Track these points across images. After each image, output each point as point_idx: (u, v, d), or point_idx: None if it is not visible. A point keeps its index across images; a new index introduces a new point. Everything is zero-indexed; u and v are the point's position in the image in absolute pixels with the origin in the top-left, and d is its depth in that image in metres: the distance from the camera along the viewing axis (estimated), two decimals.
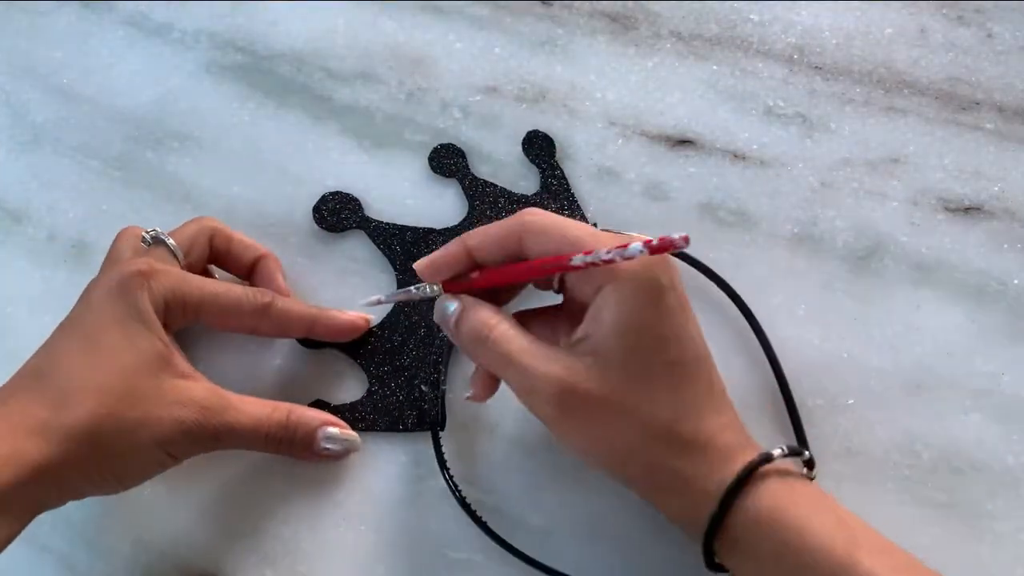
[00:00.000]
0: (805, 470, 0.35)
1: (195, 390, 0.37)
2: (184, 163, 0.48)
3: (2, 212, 0.48)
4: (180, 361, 0.37)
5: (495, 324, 0.33)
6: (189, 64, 0.50)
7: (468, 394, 0.37)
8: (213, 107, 0.49)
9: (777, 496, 0.31)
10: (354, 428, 0.41)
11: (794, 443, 0.39)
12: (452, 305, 0.35)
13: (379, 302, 0.37)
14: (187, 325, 0.40)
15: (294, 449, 0.39)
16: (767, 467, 0.32)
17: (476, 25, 0.49)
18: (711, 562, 0.33)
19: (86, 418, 0.34)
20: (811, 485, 0.33)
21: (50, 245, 0.47)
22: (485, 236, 0.34)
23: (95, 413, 0.34)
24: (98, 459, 0.34)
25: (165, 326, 0.37)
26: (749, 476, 0.32)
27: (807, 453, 0.35)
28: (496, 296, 0.37)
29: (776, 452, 0.32)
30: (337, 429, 0.39)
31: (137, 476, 0.36)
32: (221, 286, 0.39)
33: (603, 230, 0.43)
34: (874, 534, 0.32)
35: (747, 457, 0.32)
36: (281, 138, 0.48)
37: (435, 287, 0.35)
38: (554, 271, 0.33)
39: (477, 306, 0.34)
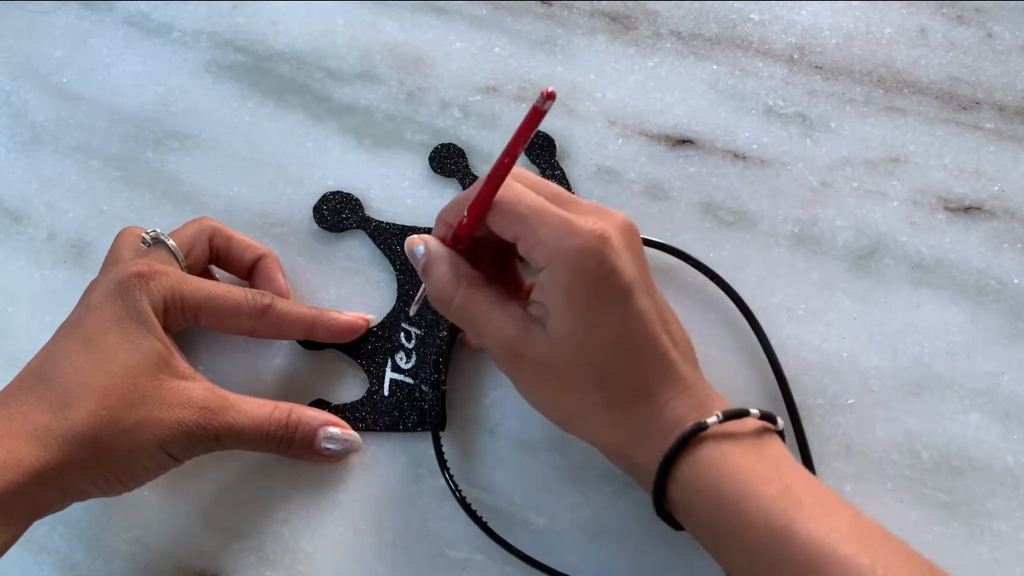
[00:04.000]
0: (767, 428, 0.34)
1: (195, 391, 0.37)
2: (184, 163, 0.48)
3: (2, 212, 0.48)
4: (180, 362, 0.37)
5: (453, 291, 0.35)
6: (189, 64, 0.50)
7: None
8: (213, 107, 0.49)
9: (711, 468, 0.32)
10: (354, 428, 0.41)
11: (796, 448, 0.39)
12: (420, 249, 0.36)
13: (416, 308, 0.39)
14: (186, 326, 0.40)
15: (294, 449, 0.39)
16: (705, 435, 0.32)
17: (476, 25, 0.49)
18: (675, 525, 0.34)
19: (86, 420, 0.34)
20: (754, 450, 0.32)
21: (50, 245, 0.47)
22: (455, 207, 0.36)
23: (95, 415, 0.34)
24: (99, 461, 0.34)
25: (164, 327, 0.37)
26: (681, 449, 0.32)
27: (779, 423, 0.34)
28: (506, 247, 0.37)
29: (711, 420, 0.32)
30: (338, 429, 0.39)
31: (139, 477, 0.36)
32: (220, 288, 0.39)
33: None
34: (820, 497, 0.31)
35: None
36: (281, 138, 0.48)
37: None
38: (482, 209, 0.34)
39: (437, 264, 0.35)
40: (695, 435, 0.32)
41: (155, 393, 0.36)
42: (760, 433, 0.33)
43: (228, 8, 0.51)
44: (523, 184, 0.34)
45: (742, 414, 0.33)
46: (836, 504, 0.31)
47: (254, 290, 0.40)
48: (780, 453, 0.33)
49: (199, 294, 0.38)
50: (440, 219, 0.36)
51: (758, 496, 0.31)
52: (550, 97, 0.29)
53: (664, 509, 0.34)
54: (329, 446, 0.39)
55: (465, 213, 0.34)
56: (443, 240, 0.36)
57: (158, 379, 0.36)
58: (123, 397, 0.35)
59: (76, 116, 0.50)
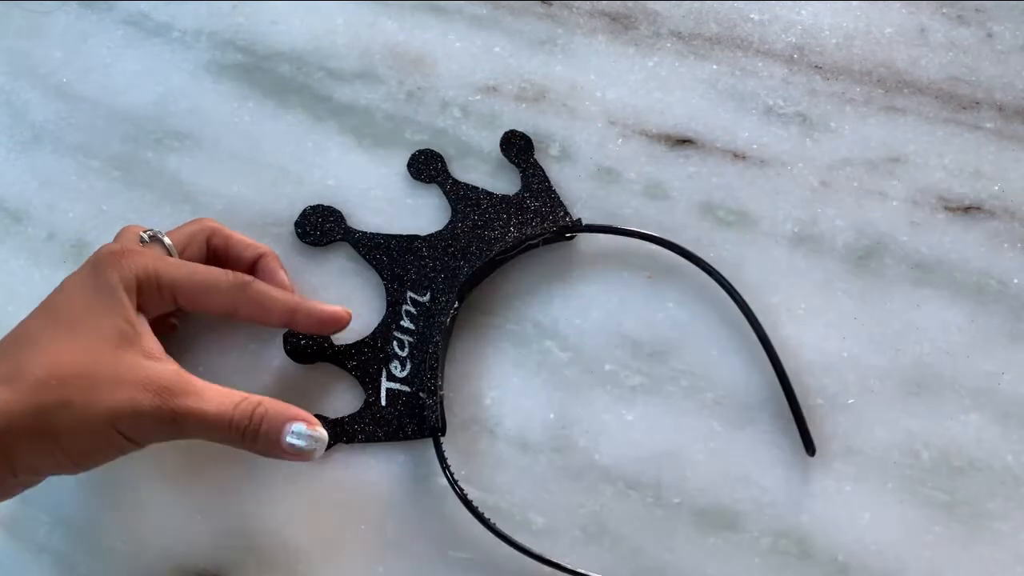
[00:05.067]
0: None
1: (157, 371, 0.35)
2: (184, 163, 0.48)
3: (2, 212, 0.48)
4: (147, 342, 0.36)
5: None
6: (189, 64, 0.50)
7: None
8: (213, 107, 0.49)
9: None
10: (355, 440, 0.40)
11: (797, 441, 0.39)
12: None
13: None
14: (166, 308, 0.39)
15: (259, 444, 0.37)
16: None
17: (476, 25, 0.49)
18: None
19: (30, 390, 0.33)
20: None
21: (50, 245, 0.47)
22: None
23: (43, 383, 0.33)
24: (44, 434, 0.34)
25: (141, 308, 0.37)
26: None
27: None
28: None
29: None
30: (304, 425, 0.37)
31: (91, 455, 0.35)
32: (198, 266, 0.39)
33: (595, 225, 0.43)
34: None
35: None
36: (281, 138, 0.48)
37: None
38: None
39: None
40: None
41: (112, 369, 0.35)
42: None
43: (228, 8, 0.51)
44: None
45: None
46: None
47: (234, 271, 0.40)
48: None
49: (175, 272, 0.38)
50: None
51: None
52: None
53: None
54: (293, 441, 0.37)
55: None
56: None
57: (116, 356, 0.35)
58: (74, 367, 0.34)
59: (76, 116, 0.50)
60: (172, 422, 0.35)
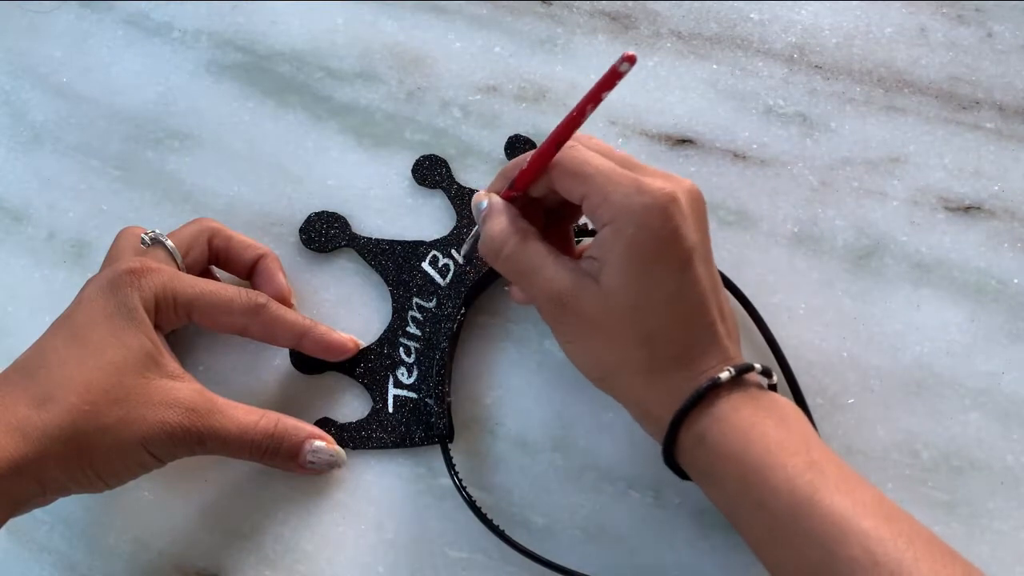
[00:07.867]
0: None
1: (182, 391, 0.36)
2: (184, 163, 0.48)
3: (2, 212, 0.48)
4: (169, 361, 0.37)
5: (506, 239, 0.35)
6: (189, 63, 0.50)
7: (507, 288, 0.42)
8: (213, 106, 0.49)
9: (738, 434, 0.32)
10: (362, 447, 0.41)
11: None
12: (484, 203, 0.37)
13: (467, 249, 0.39)
14: (180, 325, 0.39)
15: (279, 460, 0.38)
16: (728, 395, 0.33)
17: (476, 24, 0.49)
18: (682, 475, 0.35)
19: (67, 414, 0.34)
20: (784, 425, 0.32)
21: (50, 245, 0.47)
22: (517, 164, 0.37)
23: (77, 409, 0.34)
24: (79, 456, 0.34)
25: (157, 326, 0.37)
26: (694, 407, 0.32)
27: (774, 377, 0.35)
28: (560, 211, 0.38)
29: (723, 376, 0.33)
30: (323, 443, 0.39)
31: (120, 475, 0.36)
32: (213, 284, 0.39)
33: None
34: (845, 474, 0.31)
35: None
36: (281, 138, 0.48)
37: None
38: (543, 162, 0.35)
39: (496, 216, 0.36)
40: (709, 391, 0.32)
41: (141, 391, 0.35)
42: (784, 405, 0.34)
43: (228, 8, 0.51)
44: (591, 149, 0.35)
45: (749, 368, 0.34)
46: (860, 482, 0.31)
47: (249, 289, 0.40)
48: (809, 432, 0.33)
49: (191, 291, 0.38)
50: (501, 174, 0.38)
51: (785, 466, 0.31)
52: (629, 60, 0.29)
53: (674, 459, 0.34)
54: (313, 459, 0.39)
55: (526, 162, 0.35)
56: (501, 193, 0.37)
57: (145, 377, 0.36)
58: (107, 393, 0.34)
59: (76, 116, 0.50)
60: (198, 442, 0.36)
